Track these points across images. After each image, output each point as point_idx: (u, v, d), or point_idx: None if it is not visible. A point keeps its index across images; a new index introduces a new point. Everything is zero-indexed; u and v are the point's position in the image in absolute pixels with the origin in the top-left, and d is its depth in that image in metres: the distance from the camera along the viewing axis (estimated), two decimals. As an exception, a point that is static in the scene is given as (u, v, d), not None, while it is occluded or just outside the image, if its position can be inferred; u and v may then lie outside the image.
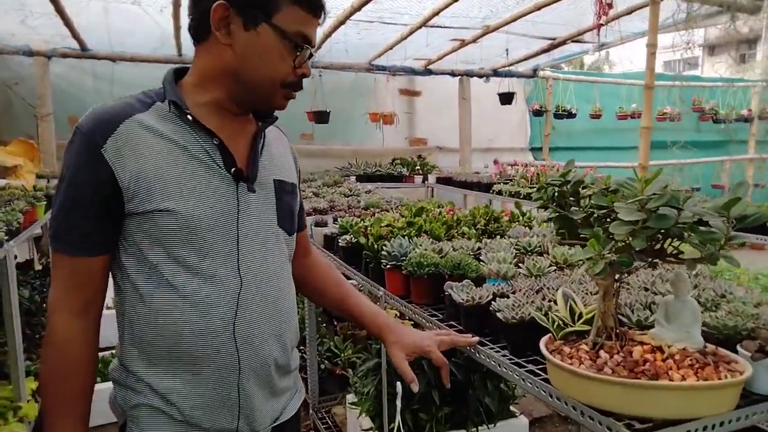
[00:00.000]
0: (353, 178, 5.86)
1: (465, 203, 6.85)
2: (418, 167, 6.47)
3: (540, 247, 1.96)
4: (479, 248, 1.97)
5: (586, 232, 1.08)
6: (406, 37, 5.55)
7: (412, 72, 6.91)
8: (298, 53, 1.06)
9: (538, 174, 4.87)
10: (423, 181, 6.41)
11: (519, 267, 1.74)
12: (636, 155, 9.59)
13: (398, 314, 2.63)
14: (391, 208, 3.03)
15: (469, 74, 7.06)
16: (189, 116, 1.04)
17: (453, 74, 6.98)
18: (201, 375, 1.05)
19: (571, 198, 1.16)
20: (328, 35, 5.16)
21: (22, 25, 4.85)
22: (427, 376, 2.28)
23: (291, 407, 1.25)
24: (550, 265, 1.74)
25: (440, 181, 6.16)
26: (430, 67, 6.85)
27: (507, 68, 7.03)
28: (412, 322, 1.92)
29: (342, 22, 4.88)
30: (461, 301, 1.52)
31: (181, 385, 1.05)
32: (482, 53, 6.18)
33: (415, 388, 1.29)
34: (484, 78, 7.20)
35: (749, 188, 8.11)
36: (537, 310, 1.31)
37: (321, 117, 6.12)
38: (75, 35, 5.07)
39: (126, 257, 1.04)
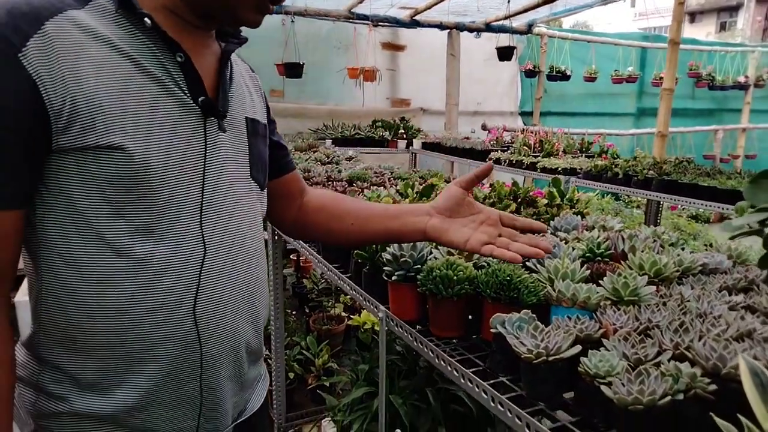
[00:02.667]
0: (329, 142, 5.16)
1: (452, 172, 6.24)
2: (402, 131, 5.79)
3: (613, 249, 1.36)
4: (523, 249, 1.36)
5: None
6: (392, -20, 4.80)
7: (397, 23, 6.16)
8: None
9: (541, 141, 4.26)
10: (407, 147, 5.75)
11: (598, 284, 1.14)
12: (629, 123, 9.11)
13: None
14: (384, 182, 2.38)
15: (460, 27, 6.34)
16: (146, 19, 0.79)
17: (442, 27, 6.25)
18: (149, 366, 0.84)
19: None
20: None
21: None
22: (432, 411, 1.69)
23: (257, 397, 1.07)
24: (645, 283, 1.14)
25: (426, 146, 5.51)
26: (417, 17, 6.11)
27: (501, 23, 6.34)
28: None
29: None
30: (525, 352, 0.92)
31: (120, 381, 0.83)
32: (476, 2, 5.47)
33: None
34: (476, 33, 6.50)
35: (740, 159, 7.75)
36: (677, 387, 0.72)
37: (293, 70, 5.35)
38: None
39: (47, 211, 0.79)
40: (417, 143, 5.70)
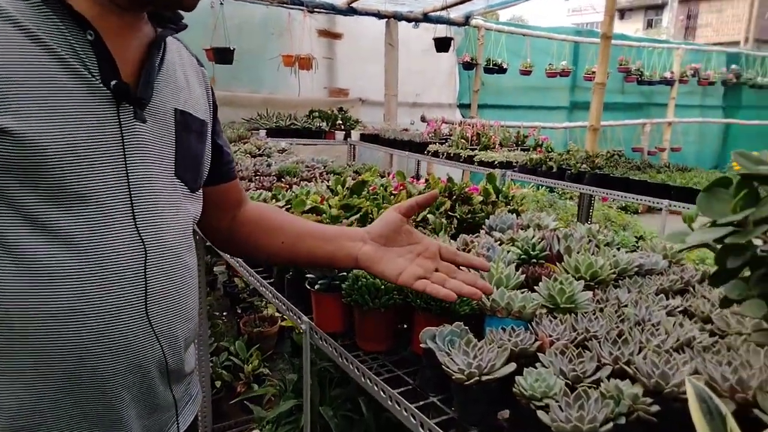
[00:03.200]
0: (263, 133, 4.95)
1: (391, 165, 6.17)
2: (340, 122, 5.65)
3: (549, 250, 1.29)
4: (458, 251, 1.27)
5: None
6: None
7: (333, 10, 5.99)
8: None
9: (478, 134, 4.24)
10: (345, 138, 5.62)
11: (533, 290, 1.07)
12: (563, 116, 9.34)
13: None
14: (315, 177, 2.24)
15: (397, 17, 6.25)
16: None
17: (379, 15, 6.14)
18: (42, 384, 0.74)
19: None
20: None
21: None
22: (365, 423, 1.60)
23: (183, 419, 0.94)
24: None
25: (365, 138, 5.41)
26: (354, 5, 5.97)
27: (438, 13, 6.29)
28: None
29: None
30: (456, 372, 0.83)
31: (12, 400, 0.73)
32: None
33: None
34: (414, 23, 6.43)
35: (666, 152, 8.10)
36: (618, 411, 0.66)
37: (223, 56, 5.08)
38: None
39: None
40: (355, 135, 5.58)
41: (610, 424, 0.70)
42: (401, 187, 1.77)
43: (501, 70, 7.63)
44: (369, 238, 0.98)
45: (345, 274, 1.11)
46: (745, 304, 0.46)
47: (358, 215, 1.44)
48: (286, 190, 1.88)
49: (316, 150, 5.38)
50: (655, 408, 0.75)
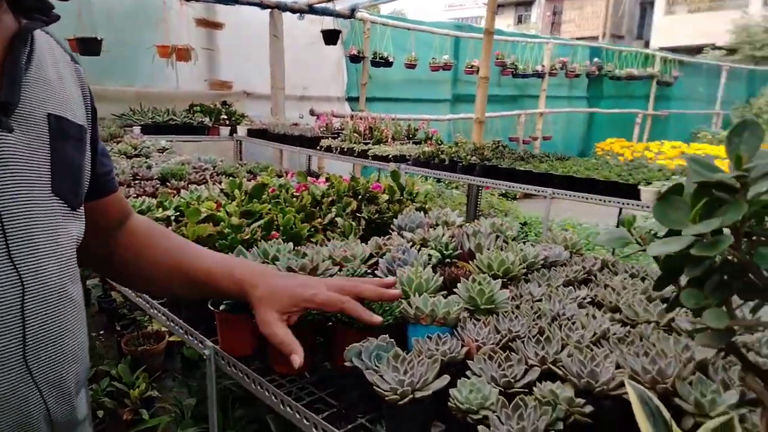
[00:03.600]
0: (137, 129, 4.55)
1: (281, 161, 6.00)
2: (225, 116, 5.37)
3: (460, 248, 1.28)
4: (371, 255, 1.23)
5: None
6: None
7: (212, -2, 5.66)
8: None
9: (371, 128, 4.23)
10: (231, 134, 5.35)
11: (451, 292, 1.04)
12: (446, 108, 9.65)
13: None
14: (207, 179, 2.07)
15: (281, 7, 6.05)
16: None
17: (262, 5, 5.90)
18: None
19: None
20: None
21: None
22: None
23: None
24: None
25: (253, 134, 5.18)
26: (235, -6, 5.68)
27: (324, 5, 6.19)
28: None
29: None
30: (388, 392, 0.77)
31: None
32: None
33: (297, 361, 0.81)
34: (299, 14, 6.27)
35: (539, 140, 8.67)
36: (556, 416, 0.65)
37: (89, 46, 4.59)
38: None
39: None
40: (242, 130, 5.33)
41: (551, 433, 0.69)
42: (303, 188, 1.69)
43: (387, 63, 7.70)
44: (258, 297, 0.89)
45: (253, 289, 1.01)
46: (706, 314, 0.44)
47: (261, 222, 1.34)
48: (174, 196, 1.71)
49: (199, 147, 5.06)
50: (589, 408, 0.75)
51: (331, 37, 6.08)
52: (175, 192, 1.81)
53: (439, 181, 7.88)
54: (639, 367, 0.81)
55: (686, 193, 0.48)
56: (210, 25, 6.22)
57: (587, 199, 2.86)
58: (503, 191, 8.57)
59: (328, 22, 6.44)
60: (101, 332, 2.63)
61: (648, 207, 2.66)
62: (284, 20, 6.21)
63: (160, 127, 4.71)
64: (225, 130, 5.31)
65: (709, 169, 0.46)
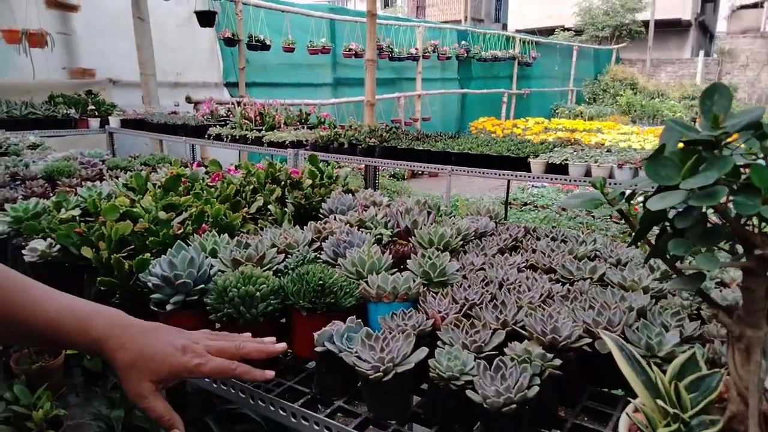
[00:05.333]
0: (-9, 126, 4.01)
1: (162, 151, 5.62)
2: (92, 107, 4.90)
3: (397, 226, 1.31)
4: (312, 240, 1.21)
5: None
6: None
7: (64, -24, 5.10)
8: None
9: (261, 114, 4.10)
10: (102, 126, 4.90)
11: (403, 268, 1.06)
12: (328, 92, 9.60)
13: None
14: (104, 175, 1.89)
15: (145, -13, 5.61)
16: None
17: (123, -15, 5.43)
18: None
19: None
20: None
21: None
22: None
23: None
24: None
25: (128, 124, 4.79)
26: (91, -28, 5.16)
27: (193, -15, 5.84)
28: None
29: None
30: (369, 371, 0.78)
31: None
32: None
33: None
34: (165, -6, 5.85)
35: (419, 122, 8.92)
36: (533, 371, 0.70)
37: None
38: None
39: None
40: (114, 121, 4.90)
41: (535, 388, 0.74)
42: (219, 178, 1.61)
43: (264, 46, 7.47)
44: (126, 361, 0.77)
45: (203, 286, 0.96)
46: (699, 258, 0.50)
47: (185, 215, 1.26)
48: (72, 194, 1.54)
49: (67, 142, 4.58)
50: (558, 362, 0.81)
51: (206, 18, 5.77)
52: (71, 189, 1.64)
53: (328, 164, 7.83)
54: (590, 319, 0.89)
55: (669, 152, 0.54)
56: (62, 6, 5.60)
57: (483, 174, 3.03)
58: (392, 172, 8.76)
59: (198, 3, 6.10)
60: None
61: (538, 177, 2.89)
62: (148, 1, 5.76)
63: (19, 122, 4.19)
64: (95, 122, 4.85)
65: (688, 130, 0.52)
